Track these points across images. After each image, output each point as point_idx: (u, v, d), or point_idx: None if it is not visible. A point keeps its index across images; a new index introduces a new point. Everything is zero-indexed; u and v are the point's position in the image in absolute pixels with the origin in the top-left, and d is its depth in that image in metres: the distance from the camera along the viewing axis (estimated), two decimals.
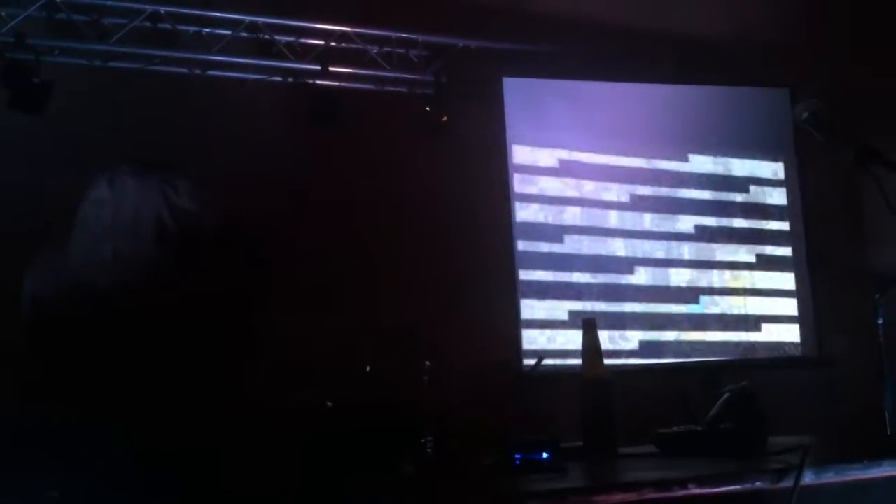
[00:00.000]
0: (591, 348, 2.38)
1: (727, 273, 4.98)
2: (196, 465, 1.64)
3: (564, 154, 4.82)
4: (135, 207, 1.66)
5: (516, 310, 4.54)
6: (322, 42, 4.83)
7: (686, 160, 5.03)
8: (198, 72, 4.69)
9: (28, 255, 1.77)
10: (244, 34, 4.72)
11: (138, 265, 1.63)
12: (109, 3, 4.45)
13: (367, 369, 2.72)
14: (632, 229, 4.86)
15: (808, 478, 1.77)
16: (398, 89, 5.03)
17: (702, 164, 5.05)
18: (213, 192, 1.76)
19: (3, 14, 4.29)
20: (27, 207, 3.74)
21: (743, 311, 4.96)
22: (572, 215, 4.78)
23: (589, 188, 4.84)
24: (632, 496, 1.68)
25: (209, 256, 1.70)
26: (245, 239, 1.80)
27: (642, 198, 4.92)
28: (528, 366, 4.41)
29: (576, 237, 4.77)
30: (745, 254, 5.03)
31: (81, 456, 1.60)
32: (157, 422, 1.61)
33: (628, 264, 4.82)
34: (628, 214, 4.87)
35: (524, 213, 4.69)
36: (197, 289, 1.67)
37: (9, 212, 3.83)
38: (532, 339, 4.56)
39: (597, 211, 4.83)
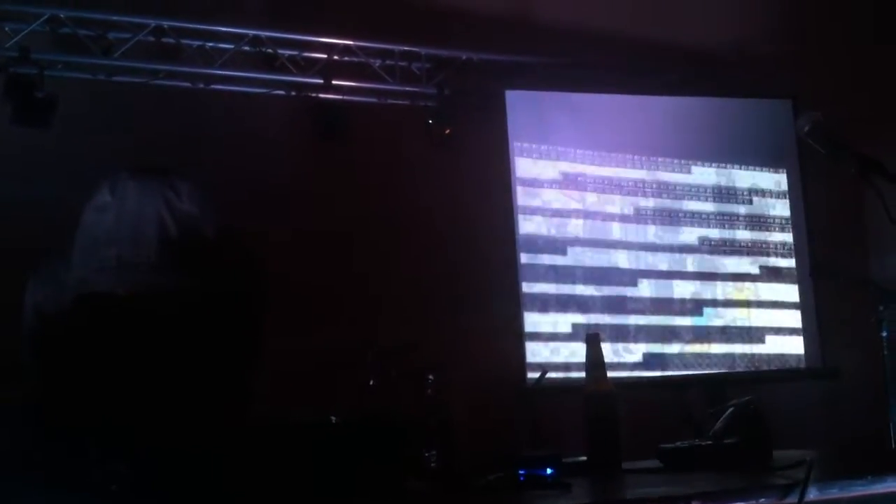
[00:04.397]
0: (595, 361, 2.37)
1: (730, 285, 4.97)
2: (199, 478, 1.64)
3: (567, 166, 4.82)
4: (137, 212, 1.66)
5: (520, 323, 4.54)
6: (325, 55, 4.84)
7: (689, 172, 5.03)
8: (201, 86, 4.70)
9: (30, 269, 1.78)
10: (247, 48, 4.74)
11: (142, 269, 1.63)
12: (114, 17, 4.47)
13: (371, 383, 2.72)
14: (635, 241, 4.86)
15: (812, 494, 1.77)
16: (401, 102, 5.03)
17: (705, 175, 5.05)
18: (215, 201, 1.76)
19: (7, 28, 4.30)
20: (30, 222, 3.74)
21: (746, 324, 4.95)
22: (575, 227, 4.78)
23: (592, 200, 4.84)
24: None
25: (212, 259, 1.70)
26: (245, 245, 1.80)
27: (645, 210, 4.92)
28: (532, 379, 4.40)
29: (579, 249, 4.77)
30: (748, 265, 5.02)
31: (86, 469, 1.60)
32: (161, 432, 1.61)
33: (632, 276, 4.82)
34: (631, 226, 4.87)
35: (527, 225, 4.69)
36: (200, 293, 1.66)
37: (12, 227, 3.83)
38: (536, 353, 4.55)
39: (600, 223, 4.83)
